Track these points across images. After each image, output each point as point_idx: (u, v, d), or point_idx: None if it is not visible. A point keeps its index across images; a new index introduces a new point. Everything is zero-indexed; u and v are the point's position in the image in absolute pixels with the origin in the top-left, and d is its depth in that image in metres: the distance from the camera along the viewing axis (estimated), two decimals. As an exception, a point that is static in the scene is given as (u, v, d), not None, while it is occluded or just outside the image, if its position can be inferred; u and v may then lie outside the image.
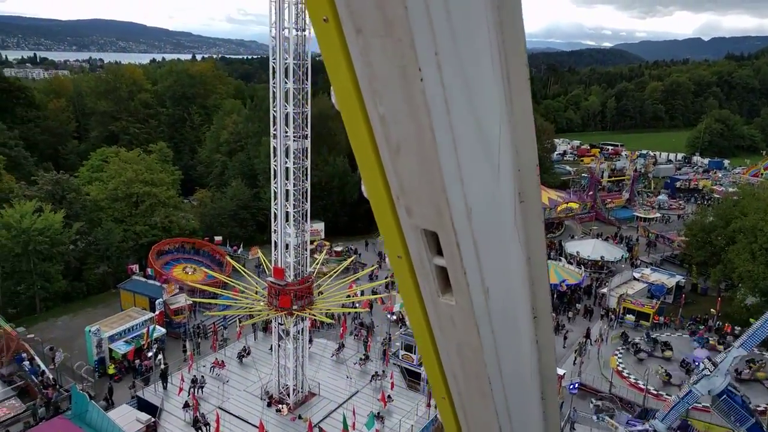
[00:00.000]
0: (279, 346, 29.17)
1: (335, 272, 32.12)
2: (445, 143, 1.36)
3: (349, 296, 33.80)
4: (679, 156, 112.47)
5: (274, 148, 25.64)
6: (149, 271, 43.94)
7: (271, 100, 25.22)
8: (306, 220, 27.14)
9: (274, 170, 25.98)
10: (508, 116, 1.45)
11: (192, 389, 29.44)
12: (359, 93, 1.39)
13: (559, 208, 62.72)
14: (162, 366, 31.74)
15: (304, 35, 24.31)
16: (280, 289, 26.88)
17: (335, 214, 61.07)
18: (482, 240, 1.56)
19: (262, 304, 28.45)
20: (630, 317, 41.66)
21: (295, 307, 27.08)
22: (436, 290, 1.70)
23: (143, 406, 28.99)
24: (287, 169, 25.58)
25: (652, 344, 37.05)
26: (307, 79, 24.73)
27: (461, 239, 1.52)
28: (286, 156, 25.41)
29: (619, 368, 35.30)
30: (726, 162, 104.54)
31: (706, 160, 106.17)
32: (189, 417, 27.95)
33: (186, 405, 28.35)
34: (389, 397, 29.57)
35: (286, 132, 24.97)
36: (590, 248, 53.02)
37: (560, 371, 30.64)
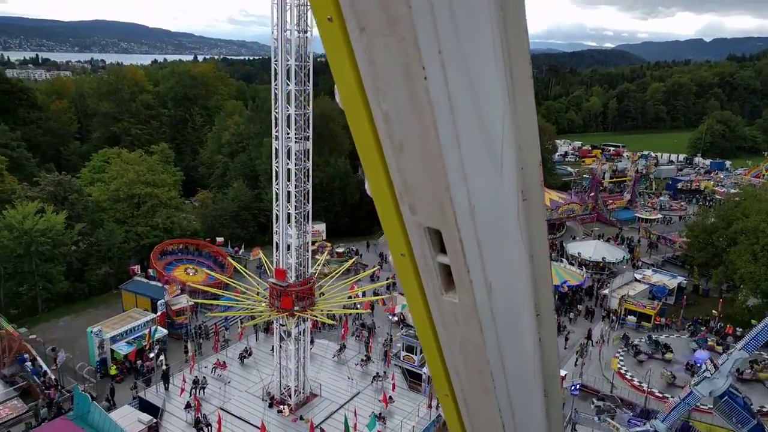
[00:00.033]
0: (280, 347, 29.20)
1: (337, 273, 32.16)
2: (449, 141, 1.37)
3: (350, 297, 33.81)
4: (681, 157, 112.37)
5: (276, 149, 25.68)
6: (151, 272, 44.01)
7: (272, 102, 25.27)
8: (307, 222, 27.17)
9: (276, 171, 26.01)
10: (511, 114, 1.46)
11: (194, 390, 29.48)
12: (363, 91, 1.39)
13: (560, 209, 62.71)
14: (163, 367, 31.78)
15: (306, 37, 24.35)
16: (281, 291, 26.91)
17: (336, 215, 61.16)
18: (485, 238, 1.57)
19: (263, 305, 28.49)
20: (631, 318, 41.64)
21: (296, 308, 27.10)
22: (440, 288, 1.71)
23: (145, 406, 29.02)
24: (289, 170, 25.62)
25: (654, 346, 36.99)
26: (308, 81, 24.78)
27: (464, 237, 1.52)
28: (288, 157, 25.45)
29: (621, 369, 35.27)
30: (728, 163, 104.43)
31: (707, 161, 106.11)
32: (191, 418, 27.98)
33: (188, 406, 28.38)
34: (390, 398, 29.58)
35: (288, 133, 25.02)
36: (591, 249, 53.00)
37: (561, 372, 30.59)
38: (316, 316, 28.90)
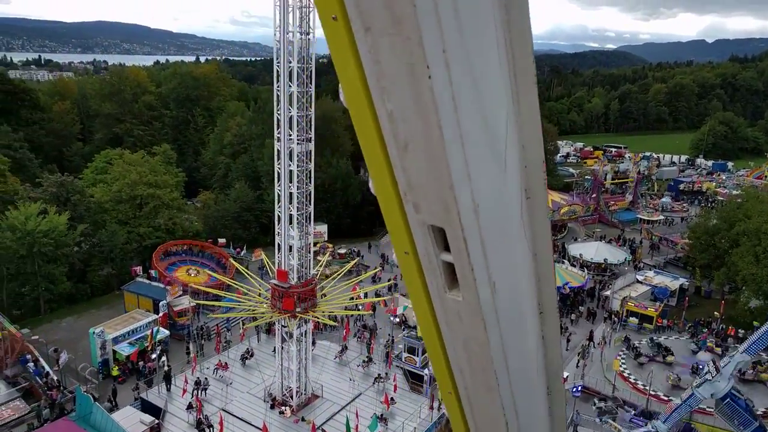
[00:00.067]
0: (282, 348, 29.23)
1: (338, 275, 32.19)
2: (453, 140, 1.37)
3: (352, 298, 33.83)
4: (683, 158, 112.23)
5: (278, 151, 25.72)
6: (153, 273, 44.08)
7: (275, 103, 25.32)
8: (309, 223, 27.21)
9: (278, 173, 26.05)
10: (515, 113, 1.47)
11: (195, 391, 29.52)
12: (367, 91, 1.40)
13: (562, 211, 62.67)
14: (165, 368, 31.83)
15: (308, 39, 24.40)
16: (283, 292, 26.95)
17: (338, 216, 61.21)
18: (489, 236, 1.57)
19: (265, 306, 28.52)
20: (633, 320, 41.61)
21: (298, 309, 27.13)
22: (443, 286, 1.72)
23: (147, 407, 29.06)
24: (291, 172, 25.65)
25: (656, 349, 36.91)
26: (311, 83, 24.83)
27: (468, 235, 1.53)
28: (290, 159, 25.49)
29: (622, 371, 35.24)
30: (730, 164, 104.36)
31: (709, 163, 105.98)
32: (192, 419, 28.03)
33: (189, 407, 28.43)
34: (392, 399, 29.59)
35: (290, 135, 25.06)
36: (593, 251, 52.94)
37: (563, 373, 30.62)
38: (318, 318, 28.93)
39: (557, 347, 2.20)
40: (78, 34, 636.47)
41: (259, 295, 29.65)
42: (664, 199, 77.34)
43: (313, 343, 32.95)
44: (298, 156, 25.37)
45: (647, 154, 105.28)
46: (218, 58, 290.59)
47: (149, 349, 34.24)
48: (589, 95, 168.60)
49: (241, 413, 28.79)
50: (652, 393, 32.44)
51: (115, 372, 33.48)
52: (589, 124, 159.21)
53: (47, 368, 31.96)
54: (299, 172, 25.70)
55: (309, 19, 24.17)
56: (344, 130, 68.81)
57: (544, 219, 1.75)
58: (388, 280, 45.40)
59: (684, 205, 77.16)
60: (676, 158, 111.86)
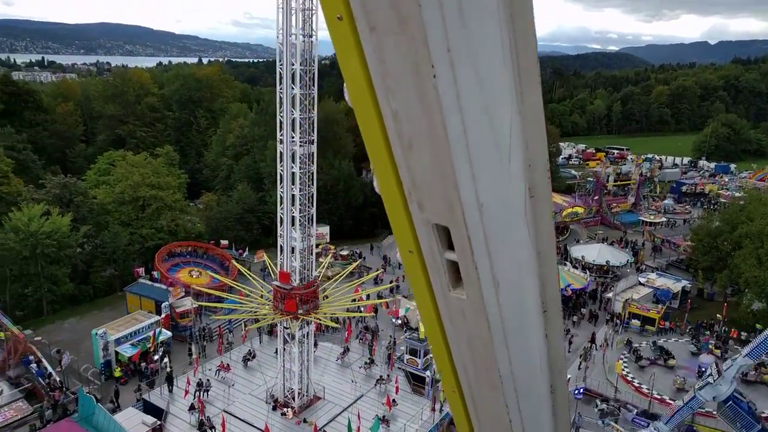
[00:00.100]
0: (284, 349, 29.26)
1: (340, 276, 32.21)
2: (457, 139, 1.38)
3: (354, 300, 33.88)
4: (685, 160, 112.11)
5: (281, 153, 25.78)
6: (155, 274, 44.18)
7: (277, 106, 25.37)
8: (312, 225, 27.25)
9: (281, 175, 26.11)
10: (518, 112, 1.46)
11: (198, 392, 29.57)
12: (372, 90, 1.41)
13: (564, 213, 62.66)
14: (168, 369, 31.88)
15: (311, 41, 24.46)
16: (285, 294, 26.99)
17: (340, 217, 61.28)
18: (493, 234, 1.58)
19: (267, 308, 28.56)
20: (635, 322, 41.56)
21: (300, 311, 27.17)
22: (447, 284, 1.73)
23: (149, 409, 29.11)
24: (293, 174, 25.70)
25: (659, 353, 36.80)
26: (313, 85, 24.87)
27: (472, 234, 1.54)
28: (293, 161, 25.53)
29: (624, 373, 35.20)
30: (732, 166, 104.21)
31: (712, 165, 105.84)
32: (194, 420, 28.08)
33: (192, 407, 28.48)
34: (394, 401, 29.60)
35: (293, 137, 25.11)
36: (595, 253, 52.90)
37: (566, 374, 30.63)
38: (320, 319, 28.96)
39: (561, 346, 2.19)
40: (81, 35, 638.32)
41: (261, 296, 29.71)
42: (666, 201, 77.24)
43: (315, 344, 33.00)
44: (300, 158, 25.41)
45: (649, 156, 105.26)
46: (221, 59, 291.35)
47: (152, 350, 34.29)
48: (592, 97, 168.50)
49: (243, 415, 28.83)
50: (655, 395, 32.38)
51: (117, 373, 33.56)
52: (591, 126, 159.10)
53: (50, 369, 32.05)
54: (302, 174, 25.74)
55: (311, 21, 24.23)
56: (346, 132, 68.95)
57: (548, 218, 1.74)
58: (390, 282, 45.42)
59: (686, 207, 77.06)
60: (678, 160, 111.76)
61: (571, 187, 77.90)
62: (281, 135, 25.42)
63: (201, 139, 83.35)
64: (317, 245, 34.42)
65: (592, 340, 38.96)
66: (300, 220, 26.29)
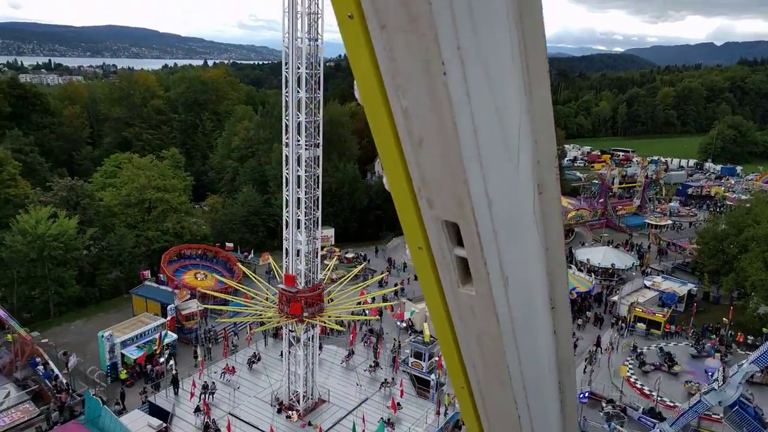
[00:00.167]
0: (289, 352, 29.33)
1: (345, 279, 32.26)
2: (467, 136, 1.39)
3: (359, 303, 33.93)
4: (691, 162, 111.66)
5: (286, 156, 25.88)
6: (161, 276, 44.35)
7: (283, 109, 25.48)
8: (317, 228, 27.33)
9: (286, 178, 26.19)
10: (527, 108, 1.47)
11: (203, 395, 29.67)
12: (382, 87, 1.41)
13: (569, 215, 62.51)
14: (173, 371, 32.01)
15: (317, 45, 24.56)
16: (290, 297, 27.06)
17: (345, 220, 61.36)
18: (502, 231, 1.58)
19: (272, 310, 28.64)
20: (641, 325, 41.39)
21: (305, 314, 27.24)
22: (457, 280, 1.73)
23: (155, 411, 29.23)
24: (299, 177, 25.80)
25: (665, 358, 36.53)
26: (319, 88, 24.97)
27: (482, 230, 1.55)
28: (298, 164, 25.63)
29: (630, 377, 35.07)
30: (739, 168, 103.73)
31: (718, 167, 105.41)
32: (200, 422, 28.17)
33: (197, 409, 28.59)
34: (399, 404, 29.61)
35: (298, 140, 25.20)
36: (601, 255, 52.76)
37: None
38: (325, 322, 29.02)
39: (569, 343, 2.19)
40: (87, 38, 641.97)
41: (267, 299, 29.80)
42: (672, 204, 76.94)
43: (320, 347, 33.07)
44: (306, 161, 25.51)
45: (655, 158, 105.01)
46: (226, 61, 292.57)
47: (158, 352, 34.42)
48: (597, 99, 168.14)
49: (249, 417, 28.90)
50: (660, 400, 32.26)
51: (123, 375, 33.70)
52: (596, 128, 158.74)
53: (56, 371, 32.23)
54: (307, 178, 25.83)
55: (317, 25, 24.34)
56: (351, 135, 69.13)
57: (557, 214, 1.75)
58: (395, 285, 45.44)
59: (692, 209, 76.75)
60: (684, 162, 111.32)
61: (577, 189, 77.74)
62: (287, 138, 25.51)
63: (206, 141, 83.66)
64: (322, 248, 34.53)
65: (598, 344, 38.84)
66: (305, 223, 26.37)
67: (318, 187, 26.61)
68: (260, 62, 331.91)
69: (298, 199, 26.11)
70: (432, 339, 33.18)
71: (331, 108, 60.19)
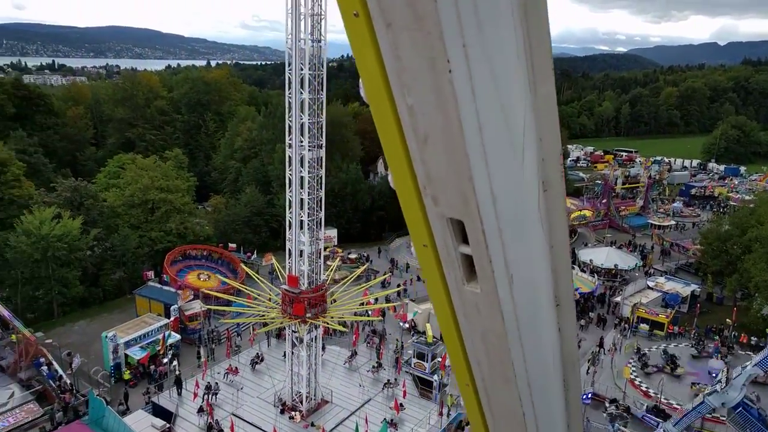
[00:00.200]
0: (292, 353, 29.38)
1: (348, 280, 32.30)
2: (472, 133, 1.39)
3: (362, 304, 33.96)
4: (695, 163, 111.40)
5: (290, 157, 25.91)
6: (164, 277, 44.45)
7: (286, 110, 25.52)
8: (320, 228, 27.37)
9: (289, 179, 26.24)
10: (532, 105, 1.47)
11: (206, 395, 29.73)
12: (388, 85, 1.42)
13: (572, 216, 62.43)
14: (177, 372, 32.08)
15: (320, 46, 24.59)
16: (294, 297, 27.10)
17: (348, 220, 61.40)
18: (507, 228, 1.59)
19: (275, 311, 28.69)
20: (644, 326, 41.32)
21: (308, 315, 27.27)
22: (462, 278, 1.74)
23: (158, 411, 29.28)
24: (302, 178, 25.83)
25: (669, 361, 36.38)
26: (322, 90, 24.99)
27: (487, 227, 1.55)
28: (301, 165, 25.67)
29: (633, 378, 35.00)
30: (742, 169, 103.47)
31: (721, 167, 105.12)
32: (203, 423, 28.23)
33: (200, 410, 28.65)
34: (401, 405, 29.62)
35: (301, 142, 25.25)
36: (604, 256, 52.69)
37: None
38: (328, 323, 29.05)
39: (573, 340, 2.20)
40: (91, 39, 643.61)
41: (270, 300, 29.84)
42: (675, 204, 76.77)
43: (323, 348, 33.11)
44: (309, 162, 25.54)
45: (658, 158, 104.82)
46: (229, 62, 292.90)
47: (161, 353, 34.50)
48: (600, 99, 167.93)
49: (252, 418, 28.94)
50: (663, 401, 32.20)
51: (126, 376, 33.78)
52: (599, 128, 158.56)
53: (60, 372, 32.32)
54: (310, 179, 25.87)
55: (320, 26, 24.36)
56: (354, 135, 69.17)
57: (561, 212, 1.75)
58: (398, 286, 45.48)
59: (695, 210, 76.56)
60: (687, 163, 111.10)
61: (579, 189, 77.65)
62: (290, 139, 25.56)
63: (209, 142, 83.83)
64: (325, 248, 34.57)
65: (601, 345, 38.76)
66: (308, 224, 26.41)
67: (321, 188, 26.63)
68: (263, 63, 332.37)
69: (301, 200, 26.14)
70: (435, 340, 33.21)
71: (333, 109, 60.10)
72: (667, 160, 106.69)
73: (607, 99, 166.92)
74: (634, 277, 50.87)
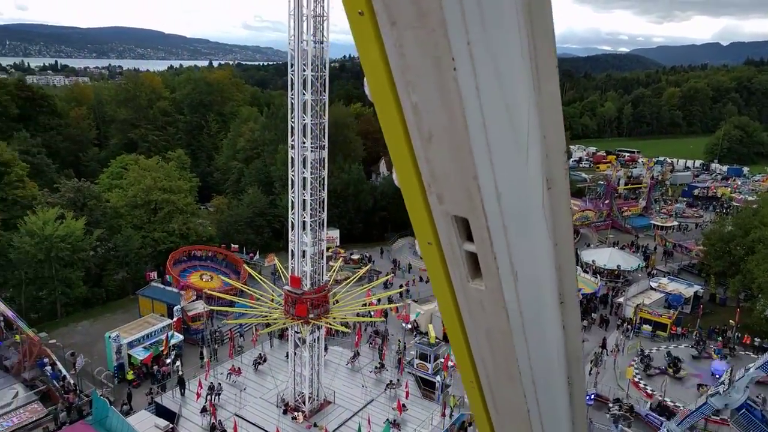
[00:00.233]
0: (295, 353, 29.41)
1: (351, 281, 32.33)
2: (477, 131, 1.39)
3: (364, 305, 33.98)
4: (697, 163, 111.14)
5: (292, 158, 25.96)
6: (167, 277, 44.53)
7: (289, 111, 25.56)
8: (322, 229, 27.41)
9: (292, 180, 26.28)
10: (536, 103, 1.46)
11: (209, 396, 29.78)
12: (393, 83, 1.42)
13: (574, 216, 62.38)
14: (180, 372, 32.15)
15: (322, 47, 24.62)
16: (296, 298, 27.15)
17: (350, 221, 61.44)
18: (512, 225, 1.59)
19: (278, 312, 28.74)
20: (647, 327, 41.26)
21: (311, 315, 27.31)
22: (466, 275, 1.74)
23: (161, 412, 29.36)
24: (305, 179, 25.87)
25: (672, 363, 36.30)
26: (324, 91, 25.02)
27: (491, 224, 1.56)
28: (304, 166, 25.71)
29: (636, 379, 34.95)
30: (745, 169, 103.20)
31: (724, 168, 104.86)
32: (206, 423, 28.28)
33: (203, 410, 28.71)
34: (404, 405, 29.64)
35: (304, 143, 25.28)
36: (606, 257, 52.62)
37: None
38: (331, 324, 29.08)
39: (578, 337, 2.19)
40: (93, 39, 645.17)
41: (272, 300, 29.88)
42: (678, 205, 76.63)
43: (326, 348, 33.14)
44: (311, 163, 25.58)
45: (661, 158, 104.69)
46: (231, 62, 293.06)
47: (164, 353, 34.57)
48: (602, 99, 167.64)
49: (254, 418, 28.99)
50: (667, 402, 32.15)
51: (130, 376, 33.86)
52: (601, 129, 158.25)
53: (64, 372, 32.41)
54: (313, 180, 25.91)
55: (323, 28, 24.40)
56: (356, 136, 69.22)
57: (566, 209, 1.74)
58: (400, 286, 45.50)
59: (698, 211, 76.42)
60: (690, 163, 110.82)
61: (582, 190, 77.58)
62: (292, 140, 25.60)
63: (212, 142, 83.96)
64: (327, 249, 34.61)
65: (603, 346, 38.71)
66: (311, 225, 26.45)
67: (324, 189, 26.66)
68: (265, 63, 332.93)
69: (304, 201, 26.18)
70: (437, 341, 33.22)
71: (335, 109, 60.25)
72: (669, 160, 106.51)
73: (610, 99, 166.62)
74: (637, 278, 50.80)
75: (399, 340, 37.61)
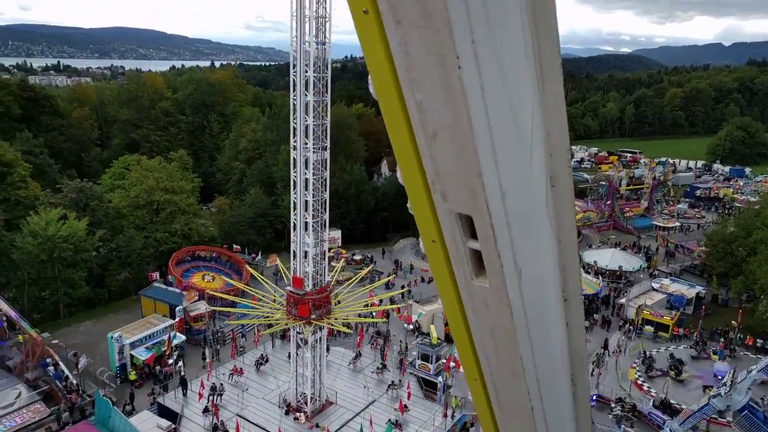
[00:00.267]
0: (297, 354, 29.45)
1: (352, 282, 32.35)
2: (481, 129, 1.40)
3: (366, 305, 33.99)
4: (699, 164, 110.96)
5: (294, 159, 26.00)
6: (170, 278, 44.59)
7: (291, 112, 25.61)
8: (324, 230, 27.44)
9: (294, 181, 26.33)
10: (540, 101, 1.47)
11: (211, 396, 29.83)
12: (397, 82, 1.43)
13: (576, 217, 62.28)
14: (182, 373, 32.19)
15: (324, 48, 24.66)
16: (298, 299, 27.19)
17: (352, 221, 61.47)
18: (515, 223, 1.59)
19: (280, 312, 28.77)
20: (648, 328, 41.21)
21: (313, 316, 27.35)
22: (470, 273, 1.75)
23: (164, 412, 29.43)
24: (307, 180, 25.91)
25: (674, 366, 36.23)
26: (326, 92, 25.06)
27: (496, 222, 1.56)
28: (306, 167, 25.75)
29: (638, 380, 34.91)
30: (747, 170, 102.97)
31: (726, 168, 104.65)
32: (209, 423, 28.33)
33: (206, 411, 28.76)
34: (406, 406, 29.65)
35: (306, 143, 25.33)
36: (608, 258, 52.55)
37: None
38: (333, 324, 29.11)
39: (581, 335, 2.19)
40: (96, 39, 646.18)
41: (274, 301, 29.92)
42: (680, 206, 76.50)
43: (327, 349, 33.17)
44: (313, 164, 25.63)
45: (663, 159, 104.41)
46: (233, 62, 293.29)
47: (167, 354, 34.63)
48: (604, 100, 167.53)
49: (256, 419, 29.03)
50: (667, 403, 32.10)
51: (132, 376, 33.93)
52: (603, 129, 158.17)
53: (67, 372, 32.48)
54: (315, 180, 25.95)
55: (325, 29, 24.44)
56: (358, 136, 69.26)
57: (569, 207, 1.75)
58: (402, 287, 45.51)
59: (700, 211, 76.30)
60: (692, 164, 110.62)
61: (584, 191, 77.40)
62: (294, 141, 25.64)
63: (214, 143, 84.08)
64: (329, 249, 34.65)
65: (605, 347, 38.67)
66: (313, 226, 26.49)
67: (326, 190, 26.70)
68: (267, 63, 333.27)
69: (306, 201, 26.22)
70: (439, 341, 33.24)
71: (337, 110, 60.28)
72: (671, 161, 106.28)
73: (612, 100, 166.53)
74: (639, 278, 50.73)
75: (401, 341, 37.60)
